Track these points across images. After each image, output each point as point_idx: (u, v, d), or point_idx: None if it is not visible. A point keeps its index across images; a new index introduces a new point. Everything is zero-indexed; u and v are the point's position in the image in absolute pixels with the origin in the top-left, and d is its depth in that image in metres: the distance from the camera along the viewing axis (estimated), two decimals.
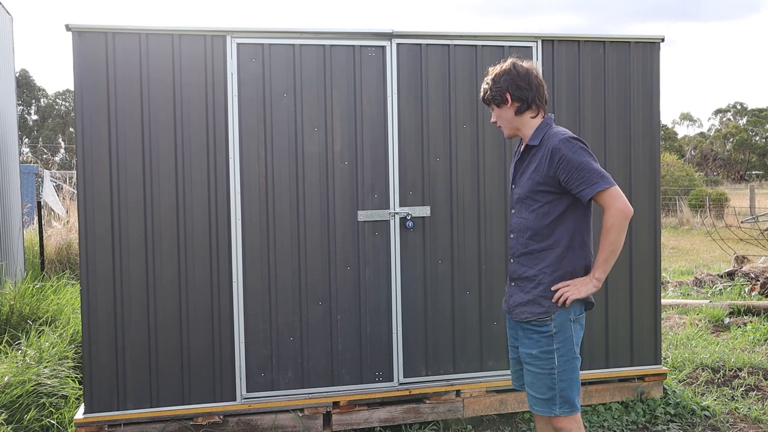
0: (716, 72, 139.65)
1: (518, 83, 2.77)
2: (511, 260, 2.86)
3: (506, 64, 2.82)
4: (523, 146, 2.86)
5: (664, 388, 4.48)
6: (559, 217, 2.72)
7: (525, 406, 4.21)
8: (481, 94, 2.90)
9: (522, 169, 2.83)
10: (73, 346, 4.92)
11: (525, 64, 2.83)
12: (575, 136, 2.73)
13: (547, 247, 2.73)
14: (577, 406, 2.75)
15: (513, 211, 2.87)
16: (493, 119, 2.93)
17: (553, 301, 2.71)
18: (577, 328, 2.76)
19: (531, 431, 4.08)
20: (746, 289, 8.05)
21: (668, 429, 4.09)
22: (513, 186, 2.90)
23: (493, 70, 2.86)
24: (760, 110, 62.82)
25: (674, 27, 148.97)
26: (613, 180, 2.64)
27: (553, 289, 2.71)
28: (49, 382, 4.21)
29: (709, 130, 68.54)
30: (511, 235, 2.87)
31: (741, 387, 4.79)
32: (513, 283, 2.86)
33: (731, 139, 60.38)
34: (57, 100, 55.74)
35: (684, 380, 4.95)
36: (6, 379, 4.08)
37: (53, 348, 4.69)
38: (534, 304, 2.75)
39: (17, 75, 12.98)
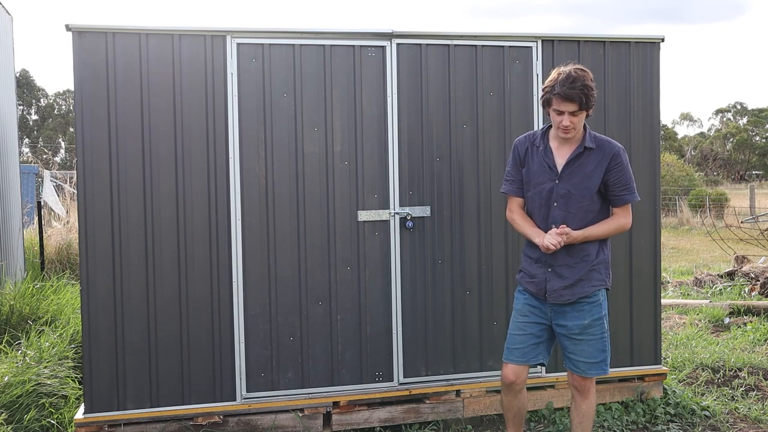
0: (716, 72, 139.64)
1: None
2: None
3: (587, 71, 2.97)
4: (577, 147, 3.08)
5: (664, 388, 4.48)
6: (598, 212, 3.11)
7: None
8: (582, 98, 2.91)
9: (574, 168, 3.08)
10: (73, 346, 4.92)
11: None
12: None
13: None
14: None
15: (555, 204, 3.11)
16: (566, 122, 2.98)
17: (546, 247, 3.02)
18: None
19: (531, 431, 4.08)
20: (746, 289, 8.05)
21: (668, 429, 4.09)
22: (557, 181, 3.10)
23: (586, 75, 2.95)
24: (760, 110, 62.73)
25: (665, 29, 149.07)
26: None
27: (549, 238, 3.02)
28: (49, 382, 4.21)
29: (709, 130, 68.47)
30: (553, 227, 3.09)
31: (741, 387, 4.79)
32: (550, 269, 3.12)
33: (731, 139, 60.30)
34: (57, 100, 55.71)
35: (684, 380, 4.95)
36: (6, 379, 4.08)
37: (53, 348, 4.69)
38: (586, 283, 3.10)
39: (17, 75, 12.98)
